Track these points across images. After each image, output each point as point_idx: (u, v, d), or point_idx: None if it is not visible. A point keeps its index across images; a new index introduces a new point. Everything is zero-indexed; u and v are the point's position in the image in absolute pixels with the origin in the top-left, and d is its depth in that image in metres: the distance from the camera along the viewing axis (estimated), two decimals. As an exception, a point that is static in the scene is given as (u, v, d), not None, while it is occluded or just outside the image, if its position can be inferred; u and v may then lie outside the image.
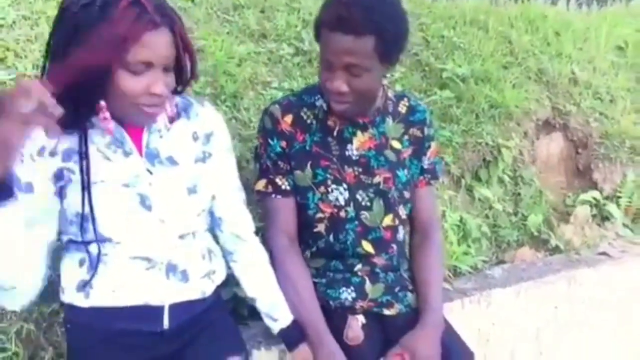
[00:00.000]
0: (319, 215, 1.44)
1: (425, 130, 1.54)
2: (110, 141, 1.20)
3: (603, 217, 2.67)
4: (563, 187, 2.76)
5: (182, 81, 1.23)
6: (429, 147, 1.55)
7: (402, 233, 1.53)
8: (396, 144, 1.50)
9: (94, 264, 1.21)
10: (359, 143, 1.45)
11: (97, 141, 1.20)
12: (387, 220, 1.47)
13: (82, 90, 1.09)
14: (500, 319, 2.01)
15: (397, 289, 1.49)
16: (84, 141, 1.17)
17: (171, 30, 1.12)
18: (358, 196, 1.44)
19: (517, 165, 2.57)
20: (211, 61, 2.09)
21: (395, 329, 1.41)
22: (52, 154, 1.17)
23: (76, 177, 1.17)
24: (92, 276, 1.21)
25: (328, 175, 1.43)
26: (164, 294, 1.25)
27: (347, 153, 1.44)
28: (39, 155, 1.16)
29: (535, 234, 2.49)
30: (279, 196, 1.44)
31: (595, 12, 3.72)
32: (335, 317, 1.43)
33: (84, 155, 1.17)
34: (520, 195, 2.56)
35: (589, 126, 2.72)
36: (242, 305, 1.70)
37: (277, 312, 1.39)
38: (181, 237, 1.26)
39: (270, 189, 1.45)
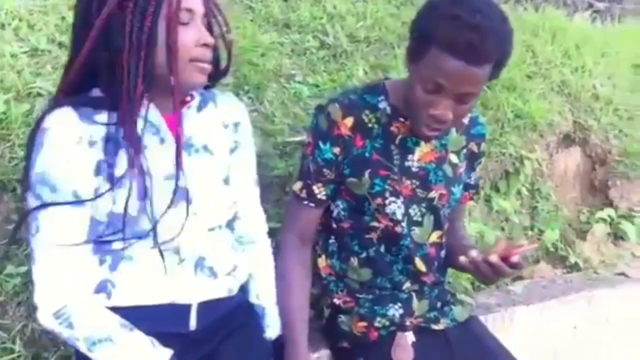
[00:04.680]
0: (374, 224, 1.35)
1: (482, 146, 1.45)
2: (145, 127, 1.10)
3: (617, 236, 2.62)
4: (578, 203, 2.71)
5: (217, 73, 1.19)
6: (480, 163, 1.48)
7: (444, 250, 1.45)
8: (454, 158, 1.40)
9: (118, 262, 1.10)
10: (421, 154, 1.34)
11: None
12: (434, 236, 1.39)
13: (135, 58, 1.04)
14: (521, 337, 1.94)
15: (440, 304, 1.40)
16: (127, 125, 1.07)
17: None
18: (411, 211, 1.35)
19: (535, 178, 2.51)
20: (234, 49, 1.97)
21: (445, 345, 1.33)
22: (92, 143, 1.06)
23: (116, 171, 1.07)
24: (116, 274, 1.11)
25: (386, 187, 1.32)
26: (192, 291, 1.15)
27: (406, 163, 1.33)
28: (78, 146, 1.05)
29: (552, 249, 2.43)
30: (311, 204, 1.35)
31: (610, 27, 3.69)
32: (380, 337, 1.34)
33: (134, 142, 1.06)
34: (537, 209, 2.50)
35: (609, 143, 2.67)
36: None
37: (269, 321, 1.31)
38: (211, 229, 1.18)
39: (304, 194, 1.35)
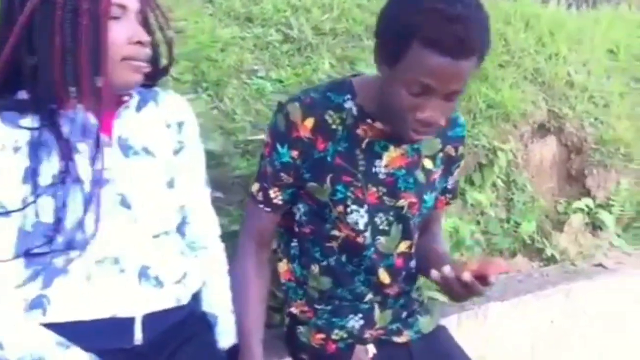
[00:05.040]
0: (335, 232, 1.26)
1: (460, 149, 1.32)
2: (75, 130, 1.03)
3: (595, 226, 2.58)
4: (555, 193, 2.66)
5: (156, 72, 1.12)
6: (458, 167, 1.36)
7: (414, 260, 1.34)
8: (428, 164, 1.28)
9: (53, 275, 1.03)
10: (389, 159, 1.23)
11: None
12: (403, 246, 1.29)
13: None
14: (496, 333, 1.89)
15: (404, 315, 1.33)
16: (55, 128, 1.00)
17: None
18: (377, 219, 1.24)
19: (510, 170, 2.46)
20: (192, 45, 1.90)
21: (407, 358, 1.26)
22: (16, 149, 0.99)
23: (43, 178, 0.99)
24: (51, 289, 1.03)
25: (349, 194, 1.21)
26: (136, 303, 1.08)
27: (373, 170, 1.22)
28: (1, 153, 0.98)
29: (528, 241, 2.39)
30: (267, 209, 1.27)
31: (585, 13, 3.65)
32: (339, 350, 1.28)
33: (62, 146, 1.00)
34: (513, 200, 2.45)
35: (584, 131, 2.62)
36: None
37: (222, 330, 1.24)
38: (156, 236, 1.11)
39: (260, 196, 1.26)
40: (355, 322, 1.28)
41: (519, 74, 2.56)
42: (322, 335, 1.29)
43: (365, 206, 1.22)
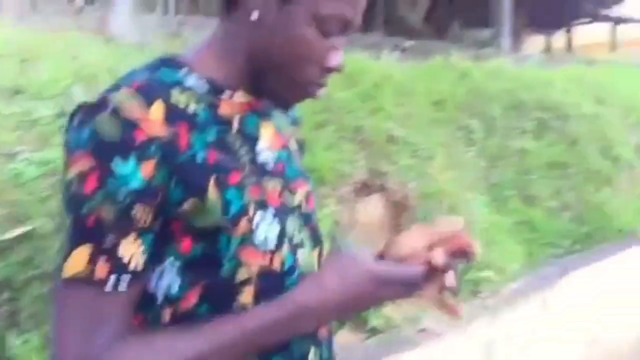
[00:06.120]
0: (242, 273, 0.79)
1: (301, 133, 1.01)
2: None
3: (426, 283, 2.52)
4: (386, 252, 2.59)
5: None
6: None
7: None
8: (292, 144, 0.94)
9: None
10: (268, 139, 0.87)
11: None
12: (315, 258, 0.90)
13: None
14: None
15: None
16: None
17: None
18: (288, 227, 0.84)
19: (335, 234, 2.35)
20: None
21: None
22: None
23: None
24: None
25: (247, 198, 0.80)
26: None
27: (257, 157, 0.84)
28: None
29: (355, 310, 2.26)
30: (125, 280, 0.71)
31: (417, 64, 3.74)
32: None
33: None
34: (340, 266, 2.33)
35: (407, 186, 2.59)
36: None
37: None
38: None
39: (103, 270, 0.69)
40: None
41: (337, 133, 2.49)
42: None
43: (270, 209, 0.84)
